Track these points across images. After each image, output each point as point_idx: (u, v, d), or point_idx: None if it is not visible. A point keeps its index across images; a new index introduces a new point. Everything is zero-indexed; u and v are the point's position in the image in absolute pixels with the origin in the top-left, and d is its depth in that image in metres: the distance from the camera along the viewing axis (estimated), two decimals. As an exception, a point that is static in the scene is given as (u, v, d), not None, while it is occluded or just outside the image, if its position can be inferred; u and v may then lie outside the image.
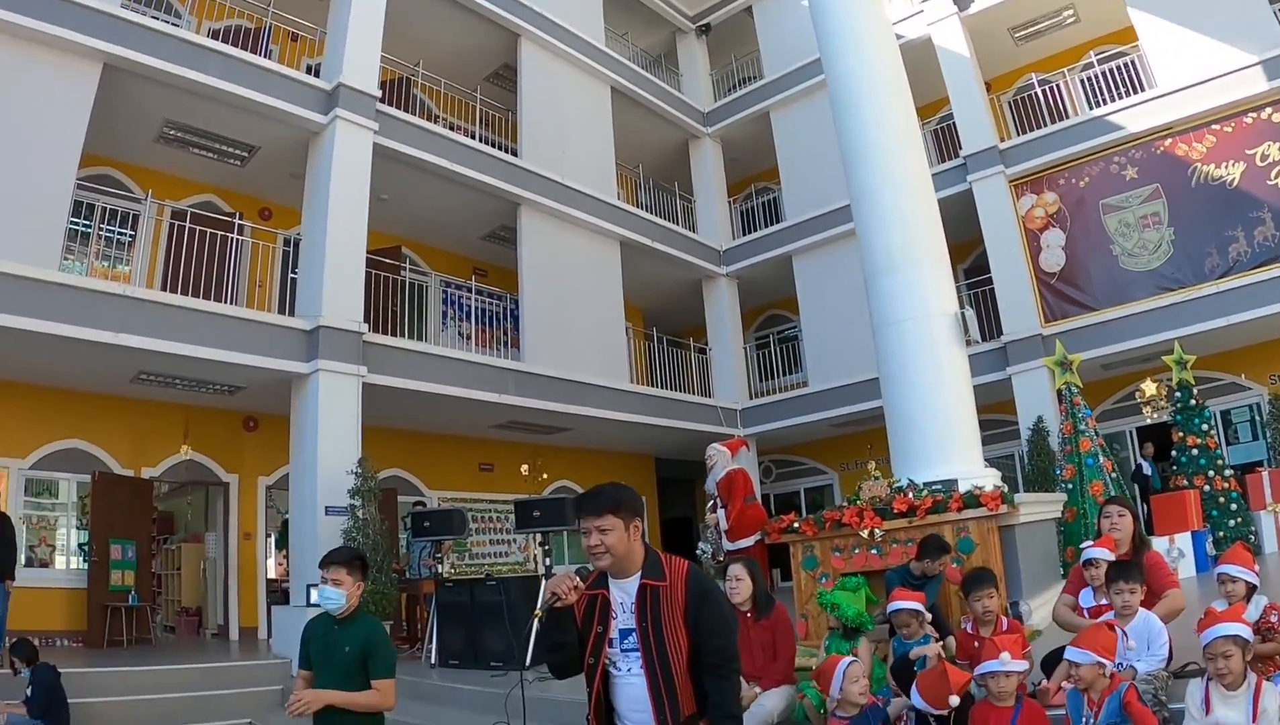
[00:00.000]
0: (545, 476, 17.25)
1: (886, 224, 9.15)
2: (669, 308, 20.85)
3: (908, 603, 5.89)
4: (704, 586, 3.75)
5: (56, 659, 9.58)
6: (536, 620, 3.91)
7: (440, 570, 11.82)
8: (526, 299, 15.48)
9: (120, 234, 13.42)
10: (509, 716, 6.96)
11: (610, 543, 3.66)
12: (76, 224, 12.35)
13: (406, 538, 13.12)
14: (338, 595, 4.79)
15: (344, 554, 4.98)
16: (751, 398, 19.85)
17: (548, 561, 10.45)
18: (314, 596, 10.58)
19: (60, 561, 13.81)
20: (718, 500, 9.88)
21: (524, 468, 14.41)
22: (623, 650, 3.76)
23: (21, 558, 11.87)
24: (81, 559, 13.65)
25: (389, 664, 4.85)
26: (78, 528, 13.84)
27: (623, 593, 3.77)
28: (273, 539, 17.33)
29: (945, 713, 4.89)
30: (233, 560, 14.89)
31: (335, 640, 4.84)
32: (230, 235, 13.37)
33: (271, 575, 16.41)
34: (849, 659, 5.40)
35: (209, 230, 13.10)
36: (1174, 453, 12.93)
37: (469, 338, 16.65)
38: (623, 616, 3.77)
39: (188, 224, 12.89)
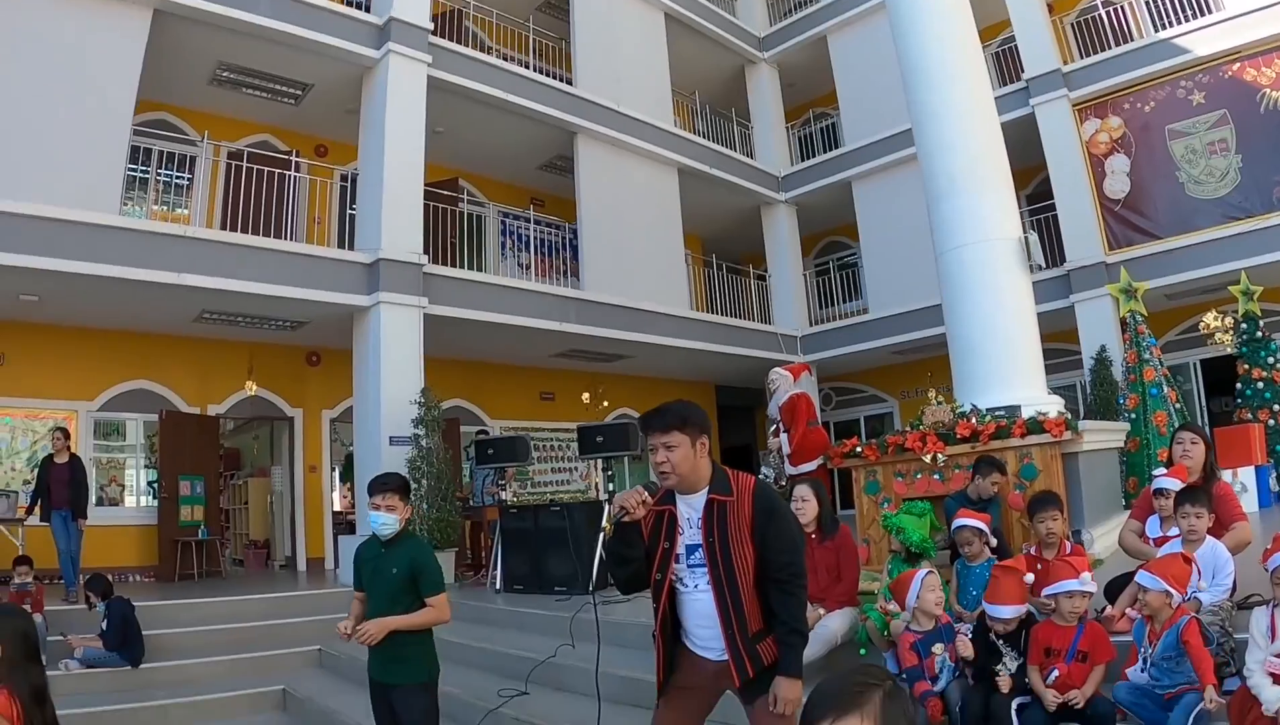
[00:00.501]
0: (606, 404, 17.31)
1: (948, 147, 8.94)
2: (727, 235, 20.65)
3: (972, 520, 5.83)
4: (771, 502, 3.72)
5: (130, 593, 9.84)
6: (604, 535, 3.92)
7: (504, 497, 11.93)
8: (585, 227, 15.42)
9: (178, 177, 13.71)
10: (573, 639, 7.07)
11: (676, 459, 3.65)
12: (134, 170, 12.56)
13: (470, 466, 13.24)
14: (391, 520, 4.94)
15: (394, 480, 5.09)
16: (812, 325, 19.71)
17: (610, 487, 10.51)
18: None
19: (130, 500, 14.17)
20: (780, 425, 9.79)
21: (585, 396, 14.47)
22: (689, 566, 3.77)
23: (93, 497, 12.20)
24: (151, 496, 14.00)
25: (437, 579, 5.02)
26: (146, 466, 14.17)
27: (690, 508, 3.76)
28: (337, 472, 17.61)
29: (1011, 628, 4.84)
30: (299, 493, 15.17)
31: (383, 563, 4.98)
32: (288, 172, 13.49)
33: (336, 508, 16.69)
34: (927, 569, 5.40)
35: (267, 168, 13.23)
36: (1238, 386, 12.69)
37: (527, 268, 16.61)
38: (690, 532, 3.77)
39: (245, 163, 13.02)
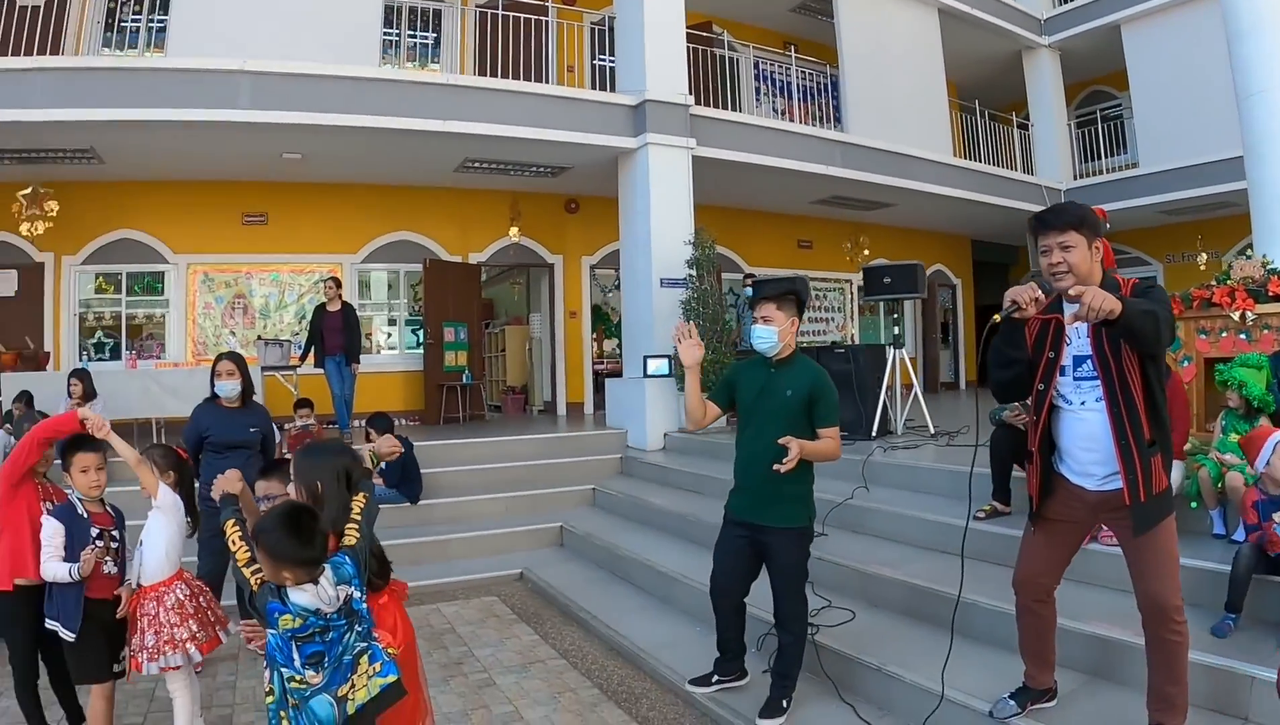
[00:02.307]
0: (867, 253, 16.79)
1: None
2: (986, 82, 19.45)
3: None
4: (1159, 296, 3.33)
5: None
6: (991, 329, 3.56)
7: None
8: (847, 68, 14.73)
9: (422, 37, 13.84)
10: (866, 482, 6.75)
11: (1073, 261, 3.38)
12: (385, 33, 12.52)
13: (736, 312, 12.95)
14: (769, 333, 4.58)
15: (773, 288, 4.71)
16: (1075, 179, 18.43)
17: (896, 330, 10.02)
18: (655, 362, 10.65)
19: (395, 346, 14.57)
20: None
21: (847, 244, 13.97)
22: (1075, 379, 3.53)
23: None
24: (416, 343, 14.35)
25: (835, 408, 4.61)
26: (410, 314, 14.54)
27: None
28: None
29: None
30: (559, 339, 15.34)
31: (774, 384, 4.62)
32: (543, 19, 13.30)
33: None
34: (1281, 432, 4.86)
35: (520, 14, 13.09)
36: None
37: (782, 113, 16.05)
38: (1078, 341, 3.50)
39: (501, 11, 12.93)
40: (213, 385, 6.19)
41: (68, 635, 4.21)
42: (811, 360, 4.79)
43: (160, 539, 4.44)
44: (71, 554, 4.21)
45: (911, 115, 15.40)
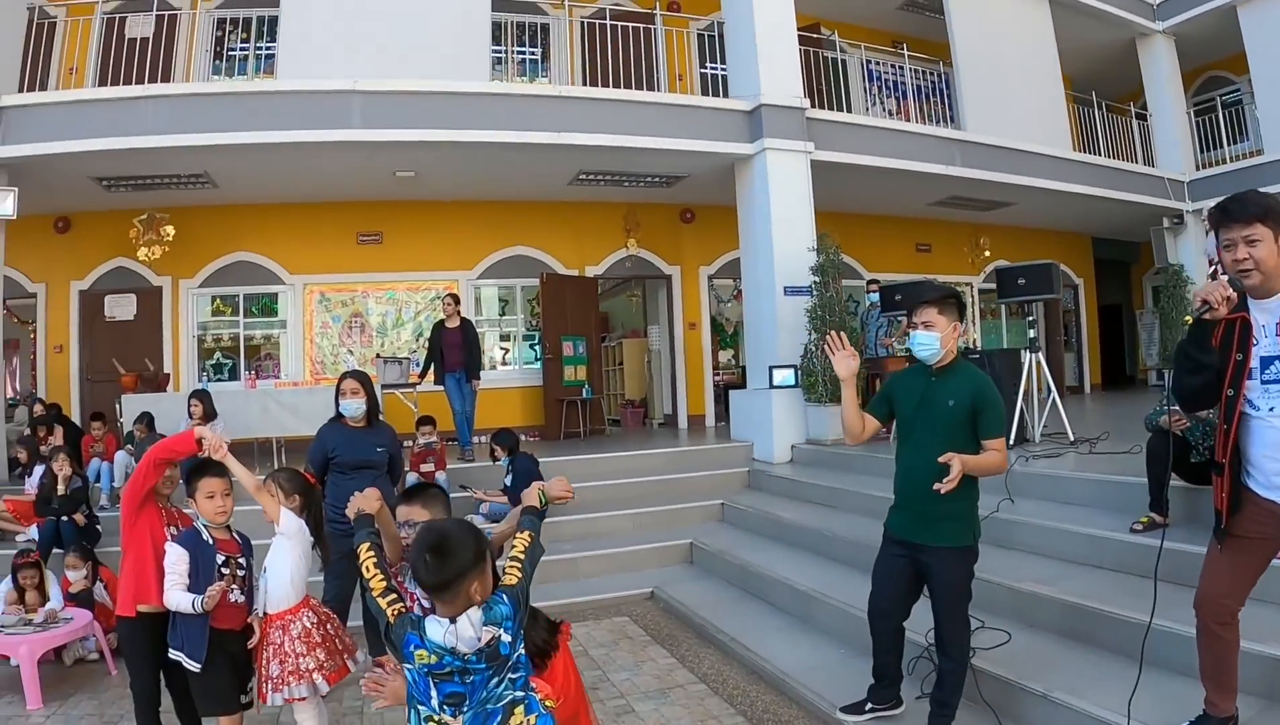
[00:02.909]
0: (988, 255, 16.34)
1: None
2: (1100, 73, 18.75)
3: None
4: None
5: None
6: (1184, 328, 3.25)
7: (896, 348, 11.49)
8: (960, 64, 14.32)
9: (531, 53, 13.97)
10: (1010, 493, 6.39)
11: (1260, 256, 3.18)
12: (495, 50, 12.53)
13: (859, 319, 12.62)
14: (931, 340, 4.27)
15: (933, 292, 4.40)
16: (1197, 169, 17.72)
17: (1031, 333, 9.62)
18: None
19: (513, 362, 14.54)
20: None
21: (968, 248, 13.50)
22: (1264, 382, 3.31)
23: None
24: (534, 358, 14.30)
25: (1002, 419, 4.28)
26: (527, 329, 14.51)
27: (1267, 314, 3.31)
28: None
29: None
30: (679, 351, 15.19)
31: (935, 394, 4.33)
32: (651, 27, 13.26)
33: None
34: None
35: (628, 23, 13.02)
36: None
37: (894, 114, 15.71)
38: (1266, 341, 3.31)
39: (608, 21, 12.81)
40: (337, 405, 6.06)
41: (192, 666, 4.11)
42: (975, 367, 4.49)
43: (285, 566, 4.33)
44: (196, 583, 4.12)
45: (1028, 110, 14.95)
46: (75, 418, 12.15)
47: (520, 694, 2.74)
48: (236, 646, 4.26)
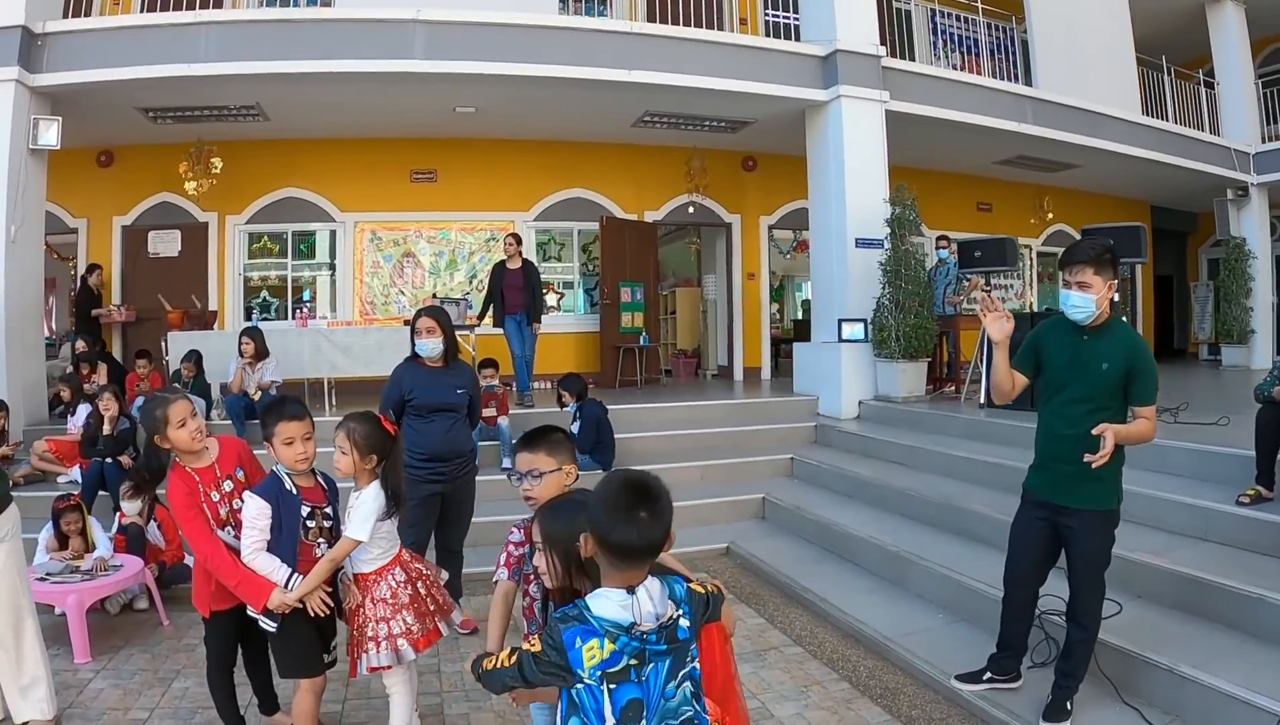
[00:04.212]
0: (1051, 216, 15.99)
1: None
2: (1167, 37, 18.19)
3: None
4: None
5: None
6: None
7: (964, 307, 11.36)
8: (1034, 18, 13.93)
9: None
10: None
11: None
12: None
13: (927, 275, 12.27)
14: (1086, 302, 3.99)
15: (1089, 250, 4.06)
16: (1263, 141, 17.24)
17: (1116, 296, 9.23)
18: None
19: (569, 306, 14.27)
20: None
21: (1044, 201, 13.07)
22: None
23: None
24: (589, 304, 14.07)
25: (1154, 386, 4.02)
26: (583, 274, 14.21)
27: None
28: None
29: None
30: (736, 302, 14.92)
31: (1087, 354, 4.06)
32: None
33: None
34: None
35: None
36: None
37: (956, 69, 15.23)
38: None
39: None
40: (413, 344, 5.66)
41: (269, 626, 3.72)
42: (1130, 327, 4.23)
43: (365, 526, 3.82)
44: (279, 538, 3.71)
45: (1100, 70, 14.50)
46: (117, 357, 11.92)
47: (690, 712, 2.30)
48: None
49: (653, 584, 2.24)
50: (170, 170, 12.21)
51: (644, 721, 2.19)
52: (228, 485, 3.94)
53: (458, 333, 10.81)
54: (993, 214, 16.68)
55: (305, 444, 3.80)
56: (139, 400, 9.21)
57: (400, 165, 13.28)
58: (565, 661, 2.14)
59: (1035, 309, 16.94)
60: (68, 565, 5.91)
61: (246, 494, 3.76)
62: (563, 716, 2.26)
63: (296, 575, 3.68)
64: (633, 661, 2.16)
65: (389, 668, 3.77)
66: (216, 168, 12.01)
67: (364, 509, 3.75)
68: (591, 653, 2.13)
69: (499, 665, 2.30)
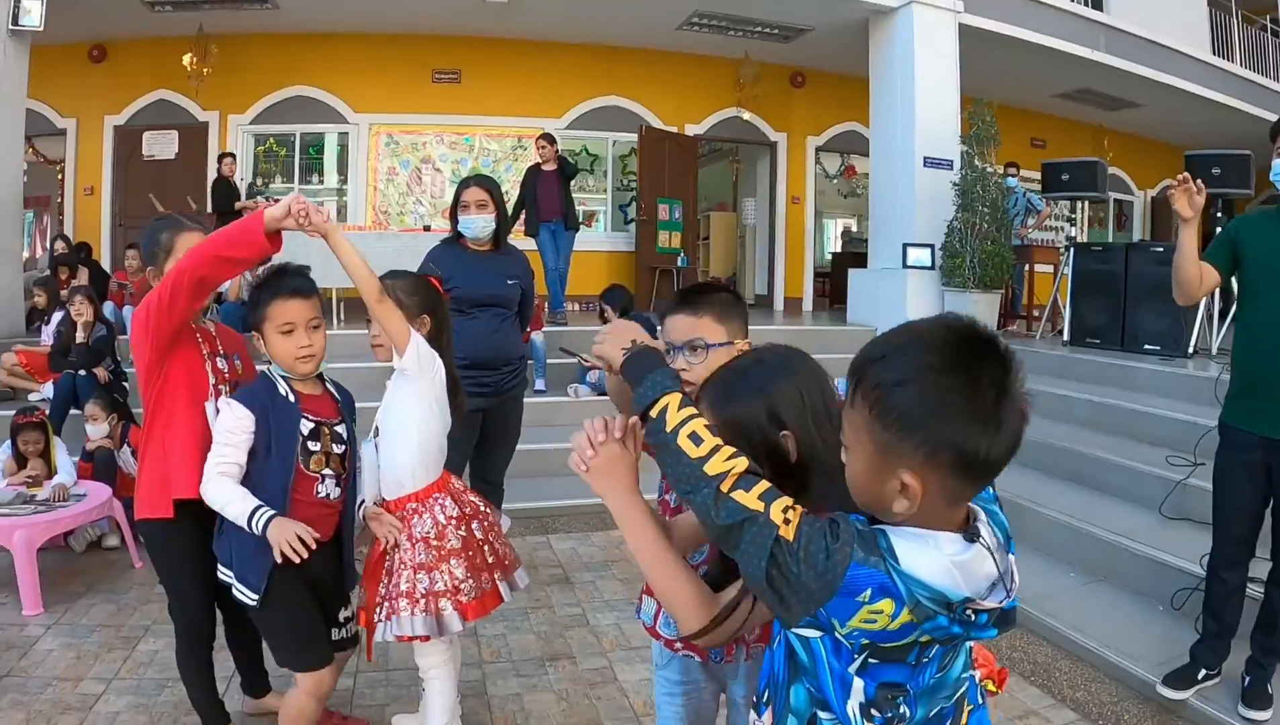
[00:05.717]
0: (1110, 157, 15.20)
1: None
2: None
3: None
4: None
5: (608, 322, 8.82)
6: None
7: (1071, 234, 10.69)
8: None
9: None
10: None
11: None
12: None
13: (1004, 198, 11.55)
14: None
15: None
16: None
17: (1219, 229, 8.39)
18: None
19: (601, 223, 13.60)
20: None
21: (1105, 141, 12.20)
22: None
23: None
24: (624, 220, 13.42)
25: None
26: (617, 189, 13.52)
27: None
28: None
29: None
30: (779, 227, 14.28)
31: None
32: None
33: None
34: None
35: None
36: None
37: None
38: None
39: None
40: (454, 221, 4.47)
41: (249, 599, 2.62)
42: None
43: (411, 423, 2.81)
44: (267, 462, 2.62)
45: (1172, 2, 13.71)
46: (106, 267, 11.04)
47: (968, 675, 1.40)
48: (324, 567, 2.76)
49: (983, 519, 1.29)
50: (167, 66, 11.40)
51: (906, 703, 1.28)
52: (222, 363, 2.89)
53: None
54: (1047, 150, 15.74)
55: (310, 334, 2.72)
56: (124, 307, 8.31)
57: (421, 64, 12.38)
58: (824, 595, 1.18)
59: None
60: (20, 494, 4.92)
61: (223, 400, 2.68)
62: (776, 669, 1.42)
63: (268, 511, 2.54)
64: (923, 639, 1.22)
65: (426, 638, 2.73)
66: (213, 55, 11.12)
67: (416, 350, 2.80)
68: (874, 616, 1.18)
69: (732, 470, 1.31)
